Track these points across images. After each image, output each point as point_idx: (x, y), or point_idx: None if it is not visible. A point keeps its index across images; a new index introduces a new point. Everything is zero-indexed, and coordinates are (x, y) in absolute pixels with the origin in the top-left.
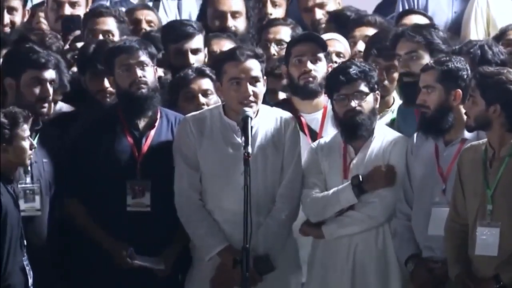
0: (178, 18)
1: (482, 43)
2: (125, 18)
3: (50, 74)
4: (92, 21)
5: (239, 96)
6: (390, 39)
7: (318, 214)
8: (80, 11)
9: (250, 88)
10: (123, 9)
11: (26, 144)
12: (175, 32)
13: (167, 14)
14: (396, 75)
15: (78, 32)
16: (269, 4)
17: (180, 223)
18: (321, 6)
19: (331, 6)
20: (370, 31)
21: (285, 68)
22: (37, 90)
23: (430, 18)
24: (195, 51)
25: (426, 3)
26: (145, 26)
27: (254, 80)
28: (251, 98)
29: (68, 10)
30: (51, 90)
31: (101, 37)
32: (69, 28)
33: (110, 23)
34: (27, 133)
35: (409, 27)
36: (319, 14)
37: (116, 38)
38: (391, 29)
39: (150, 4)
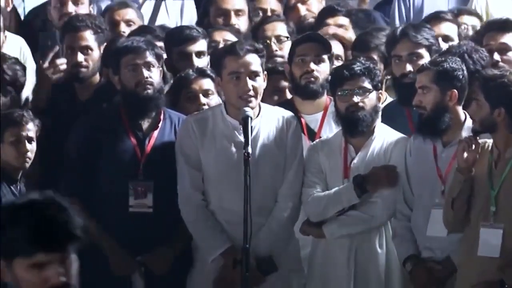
0: (179, 19)
1: (462, 50)
2: (103, 26)
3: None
4: (69, 37)
5: (239, 91)
6: (388, 40)
7: (319, 214)
8: (83, 9)
9: (250, 82)
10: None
11: (23, 146)
12: (180, 36)
13: (168, 15)
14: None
15: (57, 48)
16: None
17: (181, 224)
18: (303, 2)
19: (314, 1)
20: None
21: (288, 67)
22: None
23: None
24: (199, 54)
25: (422, 2)
26: (123, 28)
27: (253, 75)
28: (251, 93)
29: (71, 8)
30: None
31: (80, 54)
32: (47, 45)
33: (87, 37)
34: (31, 134)
35: (409, 28)
36: (303, 10)
37: (95, 51)
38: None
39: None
